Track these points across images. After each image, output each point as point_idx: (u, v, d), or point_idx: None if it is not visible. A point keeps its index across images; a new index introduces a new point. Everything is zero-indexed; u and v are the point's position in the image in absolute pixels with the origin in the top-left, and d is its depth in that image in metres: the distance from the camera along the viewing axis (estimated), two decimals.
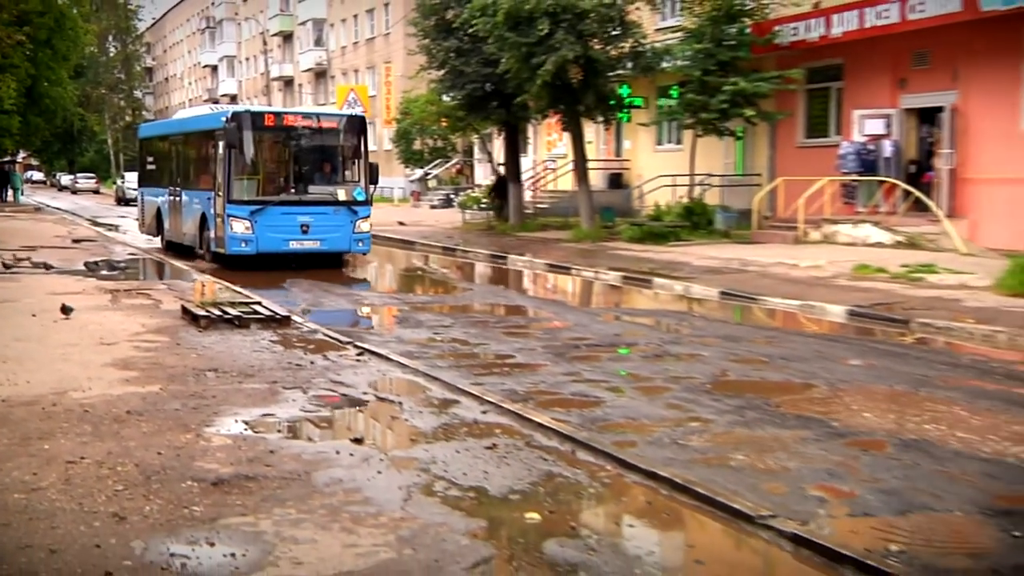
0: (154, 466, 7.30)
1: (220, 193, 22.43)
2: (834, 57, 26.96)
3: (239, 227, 21.96)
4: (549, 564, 5.83)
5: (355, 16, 69.10)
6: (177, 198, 26.95)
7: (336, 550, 5.82)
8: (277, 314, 14.32)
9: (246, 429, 8.50)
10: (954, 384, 10.78)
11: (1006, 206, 21.88)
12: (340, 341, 12.89)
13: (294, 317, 14.50)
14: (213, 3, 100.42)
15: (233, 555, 5.68)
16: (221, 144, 22.30)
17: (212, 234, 23.41)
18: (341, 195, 23.18)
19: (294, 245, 22.34)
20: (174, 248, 26.96)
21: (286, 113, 24.29)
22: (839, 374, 11.24)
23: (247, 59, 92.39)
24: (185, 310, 14.52)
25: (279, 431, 8.54)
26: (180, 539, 5.92)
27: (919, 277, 18.36)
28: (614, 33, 28.36)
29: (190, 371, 10.75)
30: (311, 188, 23.08)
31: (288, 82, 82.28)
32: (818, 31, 25.99)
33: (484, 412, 9.25)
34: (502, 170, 36.38)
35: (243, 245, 22.07)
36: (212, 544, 5.85)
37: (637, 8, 28.85)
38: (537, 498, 6.92)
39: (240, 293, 17.12)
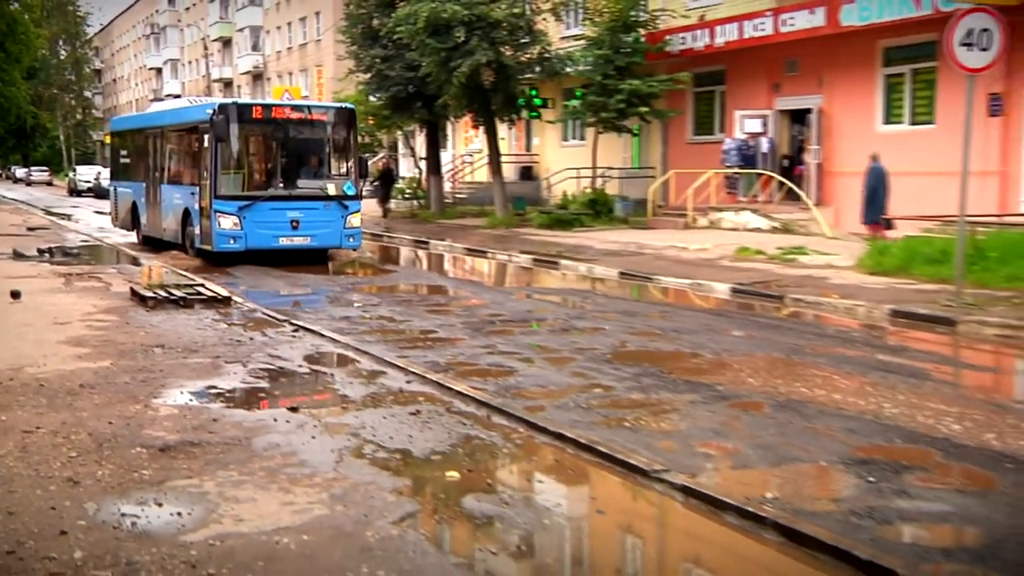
0: (105, 434, 7.21)
1: (206, 188, 19.68)
2: (718, 64, 27.25)
3: (227, 223, 19.25)
4: (468, 517, 5.87)
5: (289, 24, 68.22)
6: (156, 192, 23.64)
7: (274, 508, 5.81)
8: (219, 295, 14.16)
9: (191, 400, 8.43)
10: (822, 351, 10.99)
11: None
12: (277, 319, 12.78)
13: (235, 298, 14.35)
14: (157, 11, 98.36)
15: (179, 514, 5.65)
16: (206, 137, 19.49)
17: (197, 230, 20.45)
18: (331, 190, 20.58)
19: (284, 242, 19.77)
20: (152, 243, 23.94)
21: (274, 105, 21.11)
22: (723, 344, 11.40)
23: (189, 62, 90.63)
24: (134, 292, 14.30)
25: (221, 401, 8.46)
26: (130, 500, 5.87)
27: (792, 258, 18.68)
28: (523, 41, 28.46)
29: (139, 347, 10.60)
30: (300, 183, 20.39)
31: (228, 83, 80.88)
32: (703, 41, 26.26)
33: (408, 382, 9.25)
34: (423, 164, 36.35)
35: (231, 242, 19.37)
36: (160, 504, 5.80)
37: (544, 18, 29.09)
38: (456, 458, 6.95)
39: (184, 276, 16.89)
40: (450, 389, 8.85)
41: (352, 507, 5.83)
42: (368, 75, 32.19)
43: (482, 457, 7.05)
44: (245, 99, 24.44)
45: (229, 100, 20.37)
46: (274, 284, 17.63)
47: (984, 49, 12.81)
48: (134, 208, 25.57)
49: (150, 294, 13.86)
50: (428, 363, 10.15)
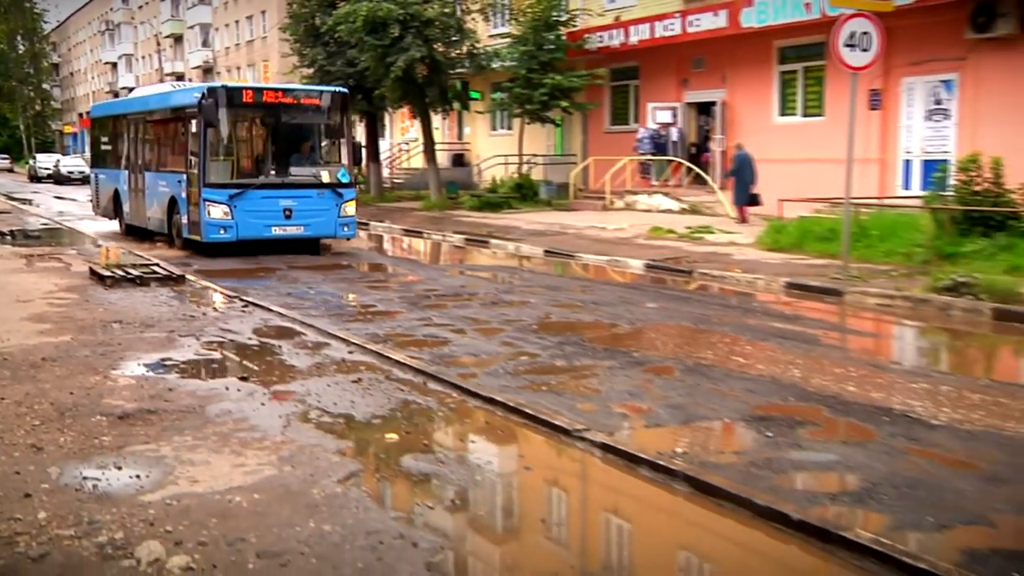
0: (67, 404, 7.08)
1: (194, 176, 17.27)
2: (632, 60, 27.35)
3: (217, 212, 16.89)
4: (406, 475, 5.87)
5: (237, 21, 67.01)
6: (139, 180, 20.89)
7: (227, 469, 5.76)
8: (173, 274, 13.93)
9: (148, 371, 8.30)
10: (726, 320, 11.14)
11: (762, 181, 22.61)
12: (228, 295, 12.62)
13: (188, 276, 14.13)
14: (112, 8, 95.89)
15: (138, 476, 5.58)
16: (194, 123, 17.12)
17: (184, 219, 17.95)
18: (325, 177, 18.00)
19: (276, 231, 17.39)
20: (136, 232, 21.41)
21: (266, 89, 18.28)
22: (638, 315, 11.50)
23: (143, 57, 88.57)
24: (93, 271, 14.02)
25: (176, 372, 8.34)
26: (91, 464, 5.78)
27: (699, 237, 18.87)
28: (454, 38, 28.42)
29: (98, 323, 10.40)
30: (293, 170, 17.86)
31: (180, 77, 78.75)
32: (619, 39, 26.32)
33: (351, 352, 9.20)
34: (363, 152, 36.10)
35: (221, 232, 17.00)
36: (120, 468, 5.72)
37: (473, 18, 29.05)
38: (395, 422, 6.94)
39: (141, 256, 16.61)
40: (389, 358, 8.82)
41: (299, 467, 5.80)
42: (311, 70, 31.77)
43: (419, 420, 7.04)
44: (236, 83, 20.73)
45: (218, 83, 17.94)
46: (223, 264, 17.34)
47: (865, 50, 13.04)
48: (116, 196, 22.85)
49: (108, 273, 13.59)
50: (369, 335, 10.09)
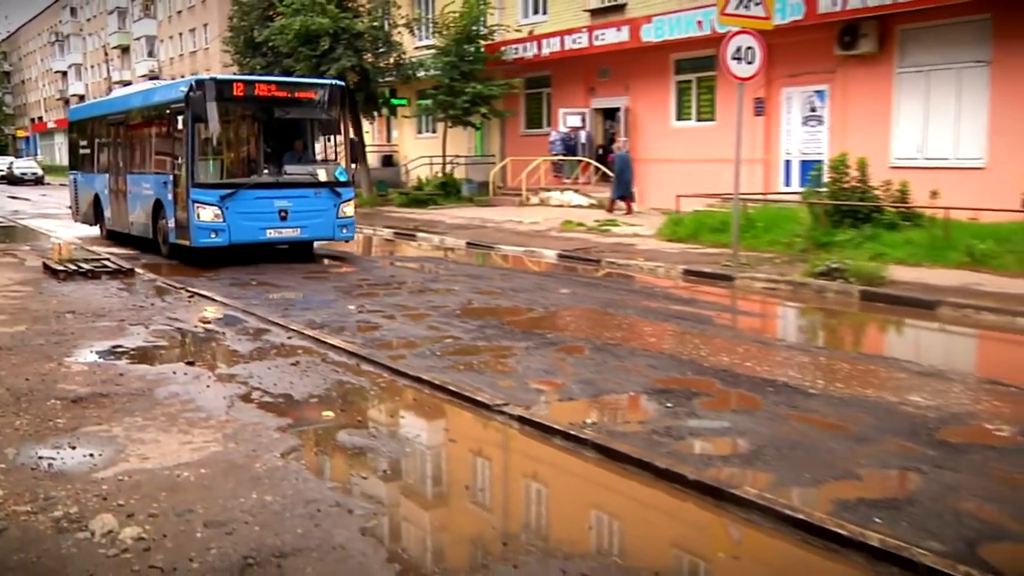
0: (23, 389, 6.88)
1: (181, 176, 14.73)
2: (545, 70, 27.41)
3: (207, 215, 14.38)
4: (342, 449, 5.84)
5: (180, 34, 65.42)
6: (121, 184, 18.13)
7: (175, 447, 5.65)
8: (123, 267, 13.59)
9: (99, 358, 8.10)
10: (630, 304, 11.25)
11: (662, 179, 22.92)
12: (174, 287, 12.35)
13: (137, 269, 13.79)
14: (61, 20, 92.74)
15: (92, 455, 5.45)
16: (181, 119, 14.57)
17: (171, 223, 15.33)
18: (322, 175, 15.60)
19: (271, 234, 14.93)
20: (117, 238, 18.83)
21: (258, 81, 15.68)
22: (552, 300, 11.55)
23: (92, 66, 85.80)
24: (46, 266, 13.62)
25: (127, 358, 8.14)
26: (47, 445, 5.63)
27: (606, 229, 19.03)
28: (382, 50, 28.25)
29: (52, 314, 10.11)
30: (288, 168, 15.35)
31: (127, 85, 77.17)
32: (532, 51, 26.35)
33: (289, 337, 9.09)
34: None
35: (213, 236, 14.46)
36: (74, 447, 5.58)
37: (399, 31, 28.82)
38: (331, 400, 6.88)
39: (91, 251, 16.16)
40: (325, 343, 8.73)
41: (242, 444, 5.72)
42: None
43: (353, 399, 7.00)
44: (226, 75, 17.07)
45: (207, 76, 15.30)
46: (168, 258, 16.99)
47: (750, 63, 13.26)
48: (96, 201, 19.87)
49: (61, 267, 13.22)
50: (306, 321, 9.97)
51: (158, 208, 16.04)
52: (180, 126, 14.65)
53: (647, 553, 4.32)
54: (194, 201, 14.42)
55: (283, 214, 14.90)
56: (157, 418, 6.27)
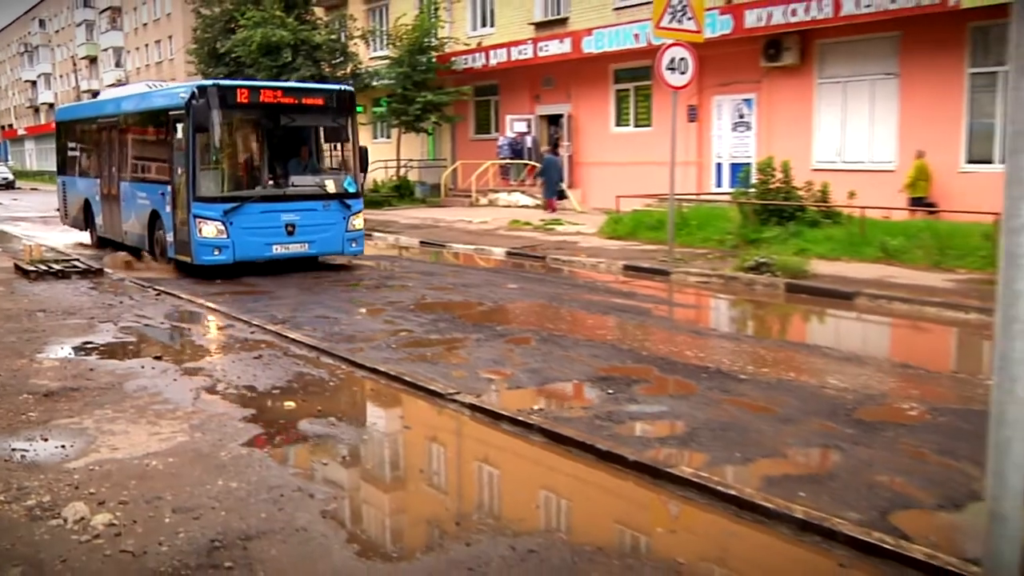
0: None
1: (181, 188, 13.08)
2: (492, 79, 27.37)
3: (210, 230, 12.72)
4: (303, 436, 5.78)
5: (147, 45, 64.20)
6: (113, 191, 16.12)
7: (144, 437, 5.56)
8: (92, 267, 13.30)
9: (70, 354, 7.93)
10: (574, 298, 11.30)
11: (603, 180, 23.06)
12: (142, 285, 12.12)
13: (106, 269, 13.51)
14: (30, 32, 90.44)
15: (63, 446, 5.34)
16: (181, 127, 12.98)
17: (170, 238, 13.58)
18: (330, 187, 13.89)
19: (278, 250, 13.23)
20: (111, 245, 16.67)
21: (264, 87, 13.77)
22: (501, 294, 11.56)
23: (61, 76, 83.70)
24: (17, 266, 13.27)
25: (96, 354, 7.98)
26: (20, 437, 5.50)
27: (551, 228, 19.08)
28: (339, 60, 27.98)
29: (23, 312, 9.87)
30: (295, 179, 13.66)
31: (95, 94, 75.22)
32: (481, 62, 26.31)
33: (252, 332, 8.98)
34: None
35: (216, 253, 12.79)
36: (46, 439, 5.47)
37: (355, 43, 28.61)
38: (293, 391, 6.82)
39: (62, 252, 15.80)
40: (286, 337, 8.65)
41: (208, 434, 5.65)
42: None
43: (314, 389, 6.93)
44: (227, 81, 14.42)
45: (209, 82, 13.48)
46: (127, 258, 16.63)
47: (683, 73, 13.40)
48: (87, 206, 17.87)
49: (32, 268, 12.90)
50: (268, 316, 9.87)
51: (155, 220, 14.26)
52: (180, 134, 13.08)
53: (591, 530, 4.36)
54: (196, 216, 12.77)
55: (290, 229, 13.25)
56: (126, 410, 6.16)
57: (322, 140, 14.67)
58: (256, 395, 6.71)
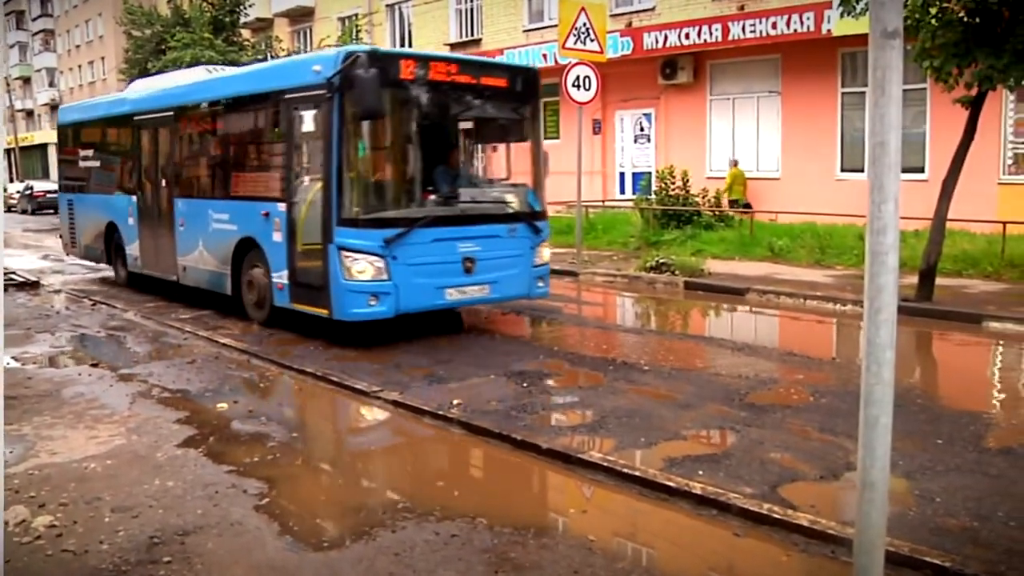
0: None
1: (311, 207, 8.16)
2: None
3: (364, 269, 7.81)
4: (236, 436, 5.67)
5: (80, 66, 61.67)
6: (162, 212, 11.10)
7: (82, 442, 5.38)
8: (28, 279, 12.76)
9: (8, 363, 7.59)
10: None
11: None
12: (78, 296, 11.69)
13: (43, 281, 12.97)
14: None
15: (2, 453, 5.10)
16: (313, 117, 8.09)
17: (283, 279, 8.64)
18: (514, 204, 9.21)
19: (452, 295, 8.41)
20: (148, 284, 11.88)
21: (435, 59, 8.45)
22: None
23: None
24: None
25: (34, 363, 7.67)
26: None
27: None
28: None
29: None
30: (468, 194, 9.03)
31: (29, 113, 72.07)
32: None
33: (186, 339, 8.76)
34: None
35: (371, 303, 7.85)
36: None
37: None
38: (225, 394, 6.67)
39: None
40: (218, 342, 8.46)
41: (145, 436, 5.50)
42: None
43: (245, 391, 6.81)
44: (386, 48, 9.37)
45: (363, 47, 8.57)
46: (70, 267, 15.99)
47: (587, 89, 13.61)
48: (111, 232, 12.57)
49: None
50: (199, 324, 9.62)
51: (245, 252, 9.24)
52: (310, 127, 8.14)
53: (509, 513, 4.39)
54: (341, 248, 7.78)
55: (468, 264, 8.31)
56: (64, 416, 5.94)
57: (502, 136, 9.65)
58: (190, 398, 6.50)
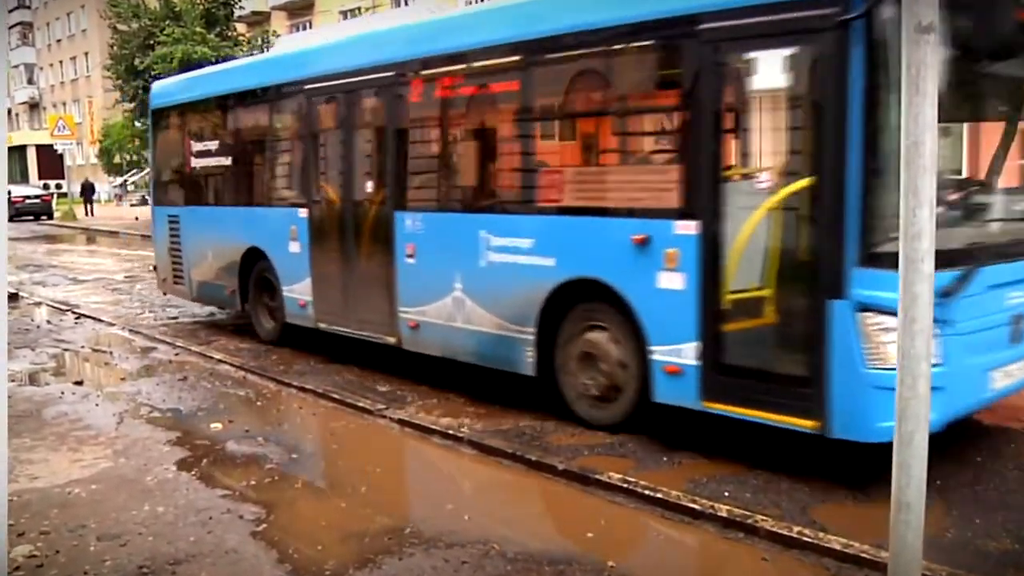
0: None
1: (764, 227, 4.88)
2: None
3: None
4: (230, 458, 5.72)
5: (61, 62, 62.35)
6: (371, 233, 7.54)
7: (65, 465, 5.45)
8: (8, 292, 12.87)
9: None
10: None
11: None
12: (60, 308, 11.80)
13: (21, 293, 13.10)
14: None
15: None
16: (781, 62, 4.63)
17: (677, 356, 5.22)
18: None
19: (1001, 381, 4.93)
20: (299, 342, 8.90)
21: None
22: None
23: None
24: None
25: (13, 381, 7.72)
26: None
27: None
28: None
29: None
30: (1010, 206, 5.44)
31: (9, 112, 73.05)
32: None
33: (177, 354, 8.84)
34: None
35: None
36: None
37: None
38: (219, 412, 6.74)
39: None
40: (211, 357, 8.53)
41: (133, 459, 5.56)
42: (132, 104, 30.10)
43: (240, 409, 6.86)
44: None
45: None
46: (52, 278, 16.12)
47: None
48: (250, 263, 9.21)
49: None
50: (192, 338, 9.70)
51: (571, 302, 6.03)
52: (785, 80, 4.82)
53: (523, 538, 4.40)
54: (864, 307, 4.53)
55: (1018, 326, 5.10)
56: (46, 438, 6.01)
57: None
58: (181, 417, 6.53)
